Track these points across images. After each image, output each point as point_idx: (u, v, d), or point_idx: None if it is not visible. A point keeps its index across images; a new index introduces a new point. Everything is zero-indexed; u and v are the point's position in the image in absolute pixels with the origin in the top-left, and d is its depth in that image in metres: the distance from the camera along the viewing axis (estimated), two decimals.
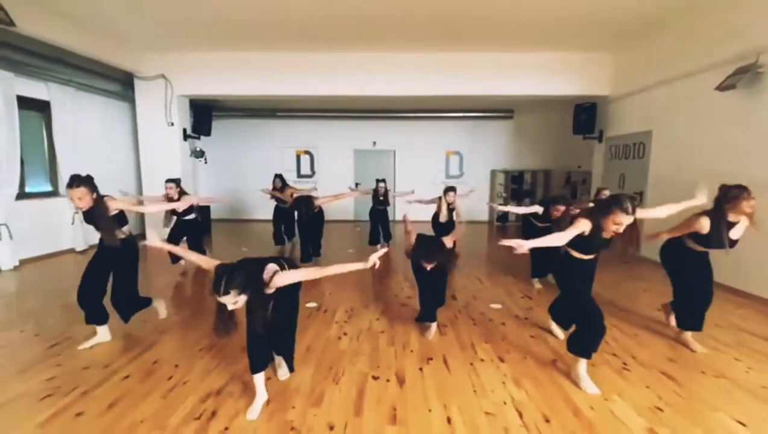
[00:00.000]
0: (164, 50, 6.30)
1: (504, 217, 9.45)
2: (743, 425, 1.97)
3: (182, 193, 4.62)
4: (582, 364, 2.32)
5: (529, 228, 4.43)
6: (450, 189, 5.09)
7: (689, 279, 2.81)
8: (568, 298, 2.55)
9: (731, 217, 2.59)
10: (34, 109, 5.47)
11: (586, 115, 6.86)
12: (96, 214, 2.64)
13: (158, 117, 6.64)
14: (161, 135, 6.70)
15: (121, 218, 2.83)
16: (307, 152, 9.51)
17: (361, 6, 4.56)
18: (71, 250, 5.96)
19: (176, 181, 4.58)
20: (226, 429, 1.91)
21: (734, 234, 2.61)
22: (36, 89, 5.38)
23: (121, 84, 6.56)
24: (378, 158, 9.56)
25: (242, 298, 1.77)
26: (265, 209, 8.60)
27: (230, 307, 1.75)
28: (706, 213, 2.66)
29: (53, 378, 2.37)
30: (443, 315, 3.35)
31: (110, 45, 5.66)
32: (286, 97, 6.94)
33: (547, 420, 2.00)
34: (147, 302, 3.06)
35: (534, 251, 4.18)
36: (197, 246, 4.85)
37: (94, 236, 6.01)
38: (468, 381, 2.38)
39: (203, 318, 3.30)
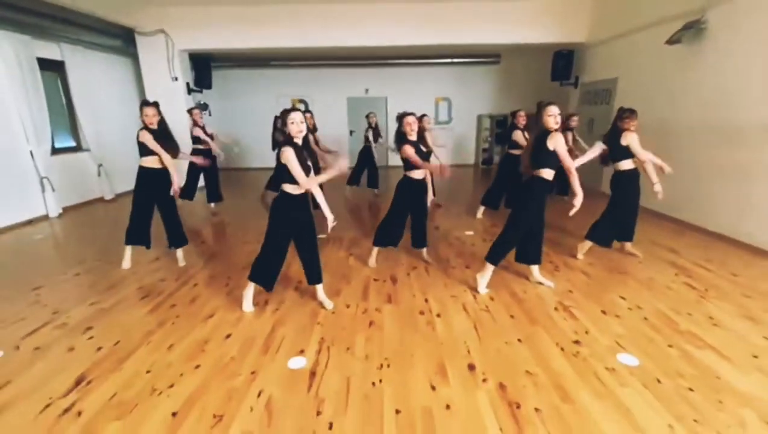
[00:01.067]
0: (162, 4, 6.53)
1: (489, 159, 10.19)
2: (623, 299, 2.96)
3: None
4: (488, 268, 3.07)
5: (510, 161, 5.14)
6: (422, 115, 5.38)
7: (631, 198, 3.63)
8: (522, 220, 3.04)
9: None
10: (51, 69, 5.88)
11: (563, 62, 7.37)
12: (162, 130, 3.36)
13: (162, 72, 7.03)
14: (166, 90, 7.12)
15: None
16: (302, 100, 9.92)
17: None
18: (101, 199, 6.70)
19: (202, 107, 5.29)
20: (277, 309, 2.85)
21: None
22: (51, 50, 5.76)
23: (122, 40, 6.85)
24: (370, 105, 9.99)
25: None
26: (264, 158, 9.29)
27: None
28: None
29: (141, 287, 3.28)
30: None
31: (112, 2, 5.92)
32: (281, 48, 7.28)
33: (492, 299, 2.97)
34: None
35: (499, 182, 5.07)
36: (214, 183, 5.72)
37: (118, 186, 6.77)
38: (441, 280, 3.33)
39: (241, 246, 4.19)
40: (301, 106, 9.91)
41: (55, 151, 5.87)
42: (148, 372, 2.19)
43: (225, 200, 6.00)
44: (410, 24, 6.83)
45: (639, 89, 5.67)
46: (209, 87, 8.04)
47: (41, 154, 5.49)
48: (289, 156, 2.44)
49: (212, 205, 5.88)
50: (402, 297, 3.03)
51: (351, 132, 10.11)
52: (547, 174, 2.86)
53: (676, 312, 2.76)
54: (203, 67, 7.80)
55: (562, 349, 2.34)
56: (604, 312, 2.78)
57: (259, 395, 1.99)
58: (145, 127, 3.33)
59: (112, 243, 4.26)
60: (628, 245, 3.82)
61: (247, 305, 2.86)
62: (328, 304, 2.88)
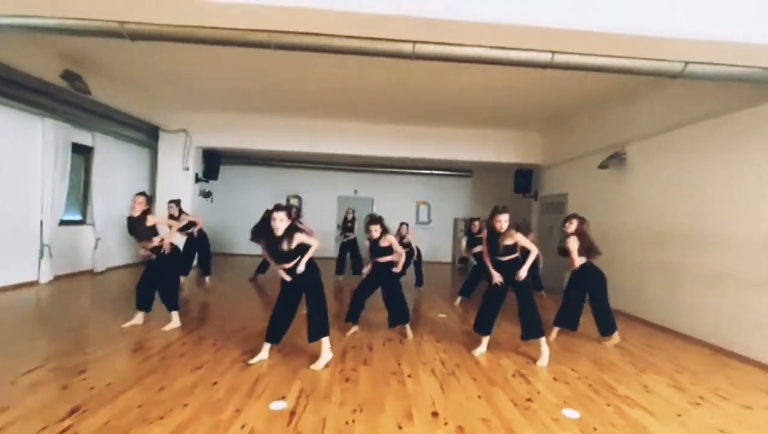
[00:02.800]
0: (188, 109, 7.77)
1: (464, 259, 10.91)
2: (574, 370, 3.33)
3: (182, 212, 6.05)
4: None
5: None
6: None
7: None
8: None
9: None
10: (81, 153, 6.69)
11: (524, 178, 8.69)
12: (137, 222, 3.82)
13: (176, 163, 7.96)
14: (176, 178, 7.97)
15: (155, 230, 3.96)
16: (296, 196, 10.90)
17: (348, 87, 6.20)
18: (90, 271, 6.90)
19: (176, 202, 6.01)
20: (261, 366, 3.09)
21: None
22: (84, 137, 6.64)
23: (146, 134, 7.89)
24: (359, 204, 11.02)
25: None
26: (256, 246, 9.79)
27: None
28: None
29: (134, 343, 3.48)
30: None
31: (147, 104, 7.08)
32: (282, 151, 8.45)
33: (458, 366, 3.30)
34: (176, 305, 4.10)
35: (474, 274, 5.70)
36: (206, 261, 6.14)
37: (111, 260, 7.05)
38: (414, 350, 3.65)
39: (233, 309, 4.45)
40: (295, 201, 10.87)
41: (62, 223, 6.31)
42: (139, 406, 2.38)
43: (218, 279, 6.36)
44: (398, 140, 8.19)
45: (585, 202, 6.75)
46: (215, 178, 8.96)
47: (49, 223, 5.92)
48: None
49: (206, 278, 6.29)
50: (377, 361, 3.32)
51: (338, 226, 10.91)
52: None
53: (617, 382, 3.13)
54: (213, 161, 8.81)
55: (515, 404, 2.65)
56: (555, 379, 3.13)
57: (242, 427, 2.20)
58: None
59: (100, 309, 4.47)
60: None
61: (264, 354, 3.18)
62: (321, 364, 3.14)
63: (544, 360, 3.43)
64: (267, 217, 3.17)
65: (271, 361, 3.20)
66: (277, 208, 3.07)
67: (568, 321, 4.22)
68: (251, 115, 7.89)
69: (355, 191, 11.08)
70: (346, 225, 7.76)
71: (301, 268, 3.11)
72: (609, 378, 3.19)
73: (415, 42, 3.08)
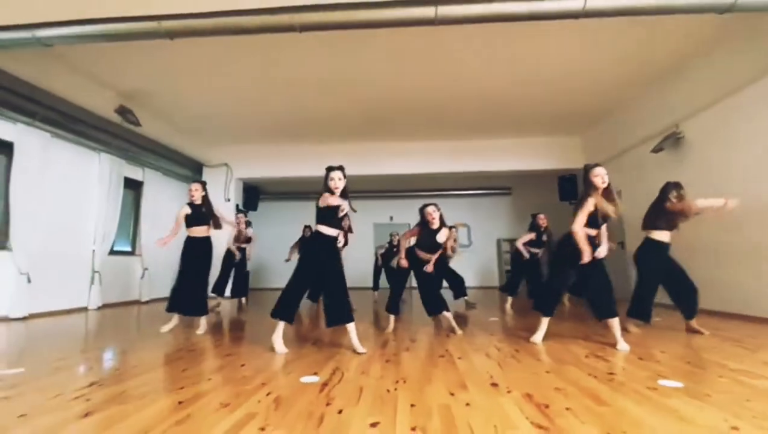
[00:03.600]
0: (227, 143, 8.21)
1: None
2: (663, 352, 2.73)
3: (248, 225, 6.32)
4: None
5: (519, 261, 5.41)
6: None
7: None
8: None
9: None
10: (132, 187, 7.14)
11: (568, 185, 8.16)
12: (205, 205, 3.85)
13: (218, 195, 8.27)
14: (218, 208, 8.23)
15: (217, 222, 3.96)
16: None
17: (377, 105, 6.28)
18: (137, 301, 7.05)
19: (244, 213, 6.28)
20: (297, 351, 2.80)
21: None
22: (136, 172, 7.12)
23: (191, 169, 8.36)
24: (395, 230, 10.82)
25: None
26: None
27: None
28: None
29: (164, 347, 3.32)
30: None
31: (190, 141, 7.56)
32: (317, 178, 8.58)
33: (517, 350, 2.81)
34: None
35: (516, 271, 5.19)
36: (244, 282, 6.06)
37: (156, 291, 7.19)
38: (463, 339, 3.20)
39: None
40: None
41: (112, 252, 6.59)
42: (160, 381, 2.16)
43: (249, 310, 6.24)
44: (433, 156, 8.09)
45: (641, 195, 6.11)
46: (255, 209, 9.21)
47: (100, 253, 6.19)
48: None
49: (243, 299, 6.25)
50: (421, 348, 2.92)
51: (376, 253, 10.67)
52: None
53: (725, 359, 2.50)
54: (252, 194, 9.12)
55: (596, 377, 2.14)
56: (641, 358, 2.56)
57: (267, 394, 1.90)
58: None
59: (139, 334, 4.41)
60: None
61: (280, 347, 2.83)
62: (360, 349, 2.78)
63: (622, 344, 2.83)
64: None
65: (305, 349, 2.90)
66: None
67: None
68: (285, 144, 8.19)
69: (391, 218, 10.93)
70: (392, 250, 7.67)
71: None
72: (714, 357, 2.57)
73: (437, 4, 3.03)
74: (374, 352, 2.78)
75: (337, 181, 2.96)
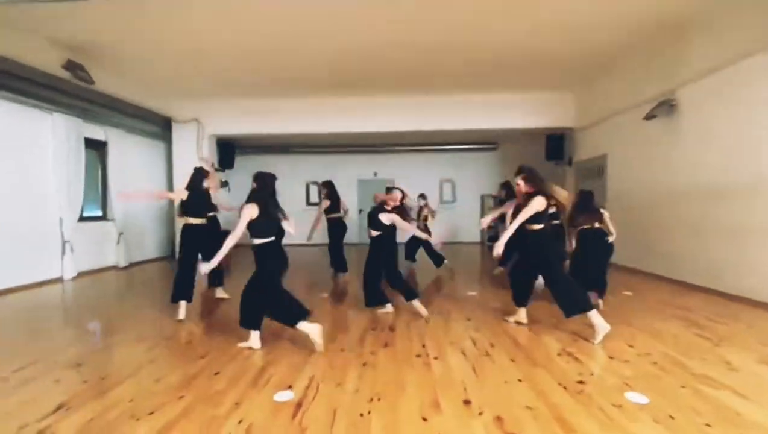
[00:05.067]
0: (197, 98, 7.58)
1: (494, 237, 10.32)
2: (631, 346, 2.81)
3: None
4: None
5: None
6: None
7: None
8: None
9: None
10: (94, 148, 6.64)
11: (555, 144, 7.97)
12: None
13: (191, 154, 7.82)
14: (191, 169, 7.82)
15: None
16: (315, 182, 10.62)
17: (367, 58, 5.76)
18: (115, 266, 6.91)
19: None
20: (270, 353, 2.78)
21: None
22: (96, 132, 6.57)
23: (160, 127, 7.79)
24: (379, 187, 10.62)
25: None
26: None
27: None
28: None
29: (140, 333, 3.27)
30: (428, 294, 4.26)
31: (155, 95, 6.93)
32: (297, 135, 8.14)
33: (492, 345, 2.86)
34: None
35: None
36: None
37: (134, 255, 7.05)
38: (440, 328, 3.25)
39: None
40: (314, 187, 10.61)
41: (81, 219, 6.29)
42: (131, 400, 2.11)
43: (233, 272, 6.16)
44: (416, 113, 7.67)
45: (627, 162, 6.04)
46: (231, 167, 8.80)
47: (69, 220, 5.89)
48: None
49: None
50: (399, 343, 2.94)
51: (360, 210, 10.58)
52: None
53: (688, 358, 2.60)
54: (227, 150, 8.65)
55: (565, 388, 2.20)
56: (611, 357, 2.64)
57: (239, 422, 1.89)
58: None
59: (120, 303, 4.33)
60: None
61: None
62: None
63: (598, 336, 2.86)
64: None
65: (282, 349, 2.88)
66: None
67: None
68: (262, 99, 7.60)
69: (375, 173, 10.67)
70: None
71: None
72: (678, 355, 2.66)
73: None
74: (351, 351, 2.79)
75: None
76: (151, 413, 1.98)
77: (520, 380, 2.30)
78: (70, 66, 5.13)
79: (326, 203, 5.86)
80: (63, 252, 5.81)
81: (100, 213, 6.92)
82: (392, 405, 2.03)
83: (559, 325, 3.30)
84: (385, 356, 2.69)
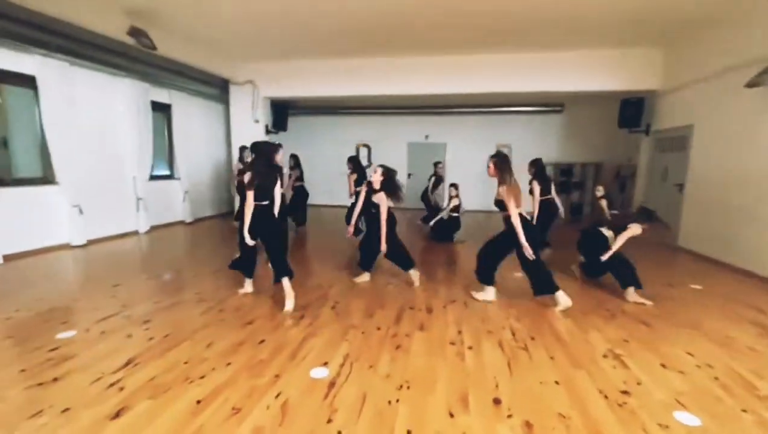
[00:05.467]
0: (253, 60, 7.63)
1: (577, 209, 9.70)
2: (691, 355, 2.57)
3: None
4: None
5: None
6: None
7: None
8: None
9: None
10: (160, 111, 7.06)
11: (632, 110, 7.07)
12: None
13: (246, 116, 8.05)
14: (248, 131, 8.10)
15: None
16: (365, 145, 10.56)
17: (419, 12, 5.36)
18: (182, 221, 7.57)
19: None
20: (311, 324, 2.93)
21: None
22: (162, 95, 6.95)
23: (219, 89, 8.04)
24: (430, 150, 10.33)
25: None
26: (330, 195, 9.92)
27: None
28: None
29: (198, 293, 3.59)
30: (471, 276, 4.19)
31: (213, 58, 7.08)
32: (350, 97, 7.97)
33: (533, 338, 2.76)
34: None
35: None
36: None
37: (198, 211, 7.63)
38: (479, 315, 3.19)
39: None
40: (364, 150, 10.56)
41: (152, 178, 6.87)
42: (185, 362, 2.36)
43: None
44: (473, 73, 7.12)
45: (718, 136, 5.21)
46: (284, 129, 8.97)
47: (141, 179, 6.46)
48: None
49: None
50: (434, 326, 2.95)
51: (409, 175, 10.43)
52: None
53: (759, 377, 2.32)
54: (281, 112, 8.77)
55: (606, 397, 2.08)
56: (663, 365, 2.44)
57: (277, 396, 2.03)
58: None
59: (185, 258, 4.77)
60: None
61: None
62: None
63: (562, 304, 3.25)
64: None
65: (324, 320, 3.02)
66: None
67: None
68: (315, 60, 7.46)
69: (426, 136, 10.32)
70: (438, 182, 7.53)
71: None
72: (746, 371, 2.39)
73: None
74: (387, 331, 2.85)
75: None
76: (202, 377, 2.20)
77: (557, 382, 2.21)
78: (134, 32, 5.34)
79: (353, 177, 6.20)
80: (137, 208, 6.45)
81: (167, 172, 7.49)
82: (421, 395, 2.06)
83: (610, 320, 3.10)
84: (419, 340, 2.71)
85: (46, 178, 5.19)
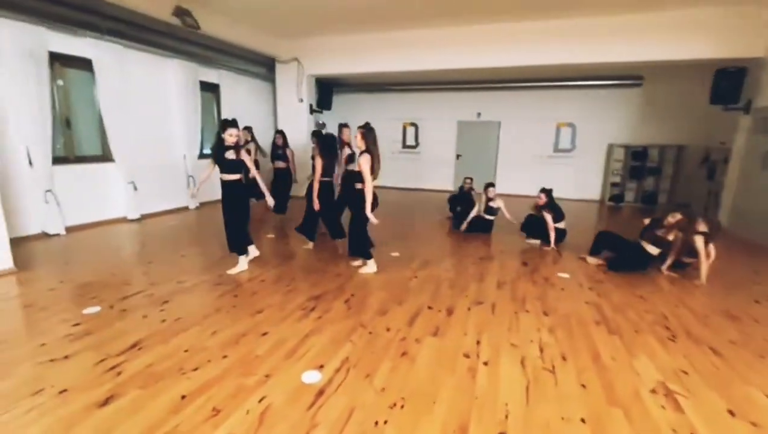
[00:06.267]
0: (298, 36, 7.51)
1: (618, 196, 8.69)
2: None
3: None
4: None
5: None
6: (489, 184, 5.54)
7: None
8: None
9: None
10: (209, 90, 7.26)
11: (729, 82, 5.87)
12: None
13: (291, 94, 8.03)
14: (293, 110, 8.11)
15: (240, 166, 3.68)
16: (412, 124, 10.12)
17: None
18: None
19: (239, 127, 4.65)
20: (320, 317, 2.80)
21: None
22: (210, 75, 7.13)
23: (265, 68, 8.08)
24: (481, 129, 9.63)
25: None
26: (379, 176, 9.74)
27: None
28: None
29: (221, 274, 3.62)
30: (505, 272, 3.77)
31: (258, 35, 7.07)
32: (396, 72, 7.55)
33: (564, 358, 2.36)
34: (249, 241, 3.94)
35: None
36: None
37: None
38: (506, 322, 2.82)
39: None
40: (411, 129, 10.12)
41: (201, 156, 7.15)
42: (186, 351, 2.34)
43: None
44: (534, 43, 6.33)
45: None
46: (329, 108, 8.87)
47: (191, 157, 6.75)
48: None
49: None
50: (450, 332, 2.65)
51: (458, 156, 9.86)
52: None
53: None
54: (326, 91, 8.65)
55: None
56: (731, 412, 1.93)
57: (261, 400, 1.92)
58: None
59: (222, 236, 4.88)
60: None
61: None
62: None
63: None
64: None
65: (334, 314, 2.87)
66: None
67: None
68: (360, 34, 7.14)
69: (479, 114, 9.60)
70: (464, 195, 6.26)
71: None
72: None
73: None
74: (396, 333, 2.62)
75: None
76: (195, 369, 2.16)
77: (583, 420, 1.84)
78: (179, 12, 5.43)
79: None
80: (187, 185, 6.78)
81: None
82: (413, 417, 1.82)
83: (669, 343, 2.57)
84: (429, 347, 2.45)
85: (105, 155, 5.58)
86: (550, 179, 9.26)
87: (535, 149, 9.32)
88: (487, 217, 5.43)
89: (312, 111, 8.26)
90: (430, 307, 3.04)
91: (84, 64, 5.13)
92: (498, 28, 6.43)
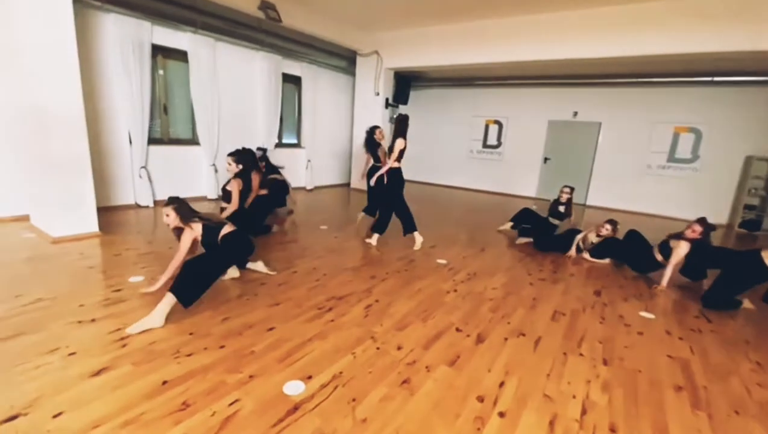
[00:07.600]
0: (378, 29, 7.40)
1: (755, 223, 6.88)
2: None
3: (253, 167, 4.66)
4: None
5: None
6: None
7: None
8: None
9: None
10: (291, 82, 7.58)
11: None
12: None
13: (369, 88, 7.99)
14: (369, 103, 8.06)
15: None
16: (496, 122, 9.34)
17: None
18: (303, 188, 8.17)
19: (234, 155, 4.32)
20: (332, 321, 2.59)
21: None
22: (293, 68, 7.42)
23: (346, 61, 8.16)
24: (577, 131, 8.46)
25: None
26: (451, 175, 9.31)
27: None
28: None
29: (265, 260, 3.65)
30: (568, 300, 3.13)
31: (339, 28, 7.12)
32: (480, 64, 6.97)
33: (614, 431, 1.78)
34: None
35: None
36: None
37: (318, 179, 8.11)
38: (548, 365, 2.27)
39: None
40: (494, 127, 9.36)
41: (279, 145, 7.52)
42: (191, 333, 2.33)
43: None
44: (653, 28, 5.24)
45: None
46: (405, 103, 8.63)
47: (269, 146, 7.12)
48: None
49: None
50: (472, 366, 2.22)
51: (546, 159, 8.83)
52: None
53: None
54: (404, 85, 8.43)
55: None
56: None
57: (232, 403, 1.78)
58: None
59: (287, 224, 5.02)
60: None
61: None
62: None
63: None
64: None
65: (348, 319, 2.64)
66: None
67: None
68: (442, 25, 6.75)
69: (575, 113, 8.43)
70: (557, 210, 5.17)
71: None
72: None
73: None
74: (406, 354, 2.28)
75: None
76: (189, 355, 2.12)
77: None
78: (264, 6, 5.69)
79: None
80: None
81: (295, 140, 8.11)
82: None
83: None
84: (438, 380, 2.06)
85: (194, 139, 6.16)
86: (661, 194, 7.82)
87: (643, 157, 7.88)
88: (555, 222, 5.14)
89: (388, 105, 8.12)
90: (458, 330, 2.62)
91: (181, 56, 5.70)
92: (599, 13, 5.46)
